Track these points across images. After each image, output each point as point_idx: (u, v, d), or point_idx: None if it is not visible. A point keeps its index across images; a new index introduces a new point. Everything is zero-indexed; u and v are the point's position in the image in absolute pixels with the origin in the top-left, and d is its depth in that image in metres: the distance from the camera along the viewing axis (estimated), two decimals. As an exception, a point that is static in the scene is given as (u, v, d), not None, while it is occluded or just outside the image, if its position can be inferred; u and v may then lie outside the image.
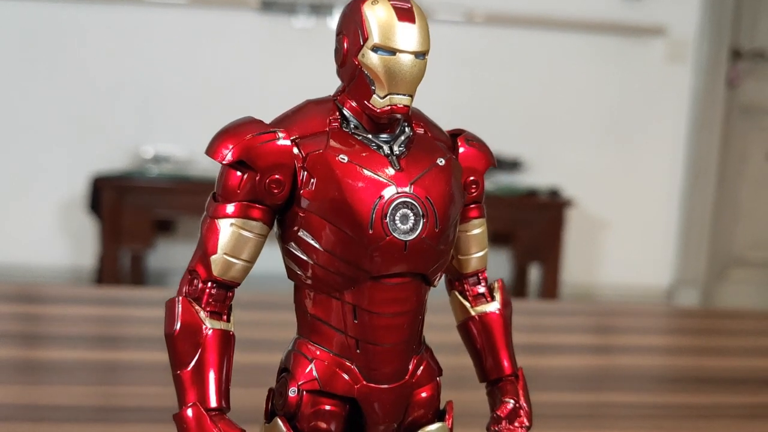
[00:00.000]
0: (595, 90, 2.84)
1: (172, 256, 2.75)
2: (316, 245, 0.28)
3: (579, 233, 2.83)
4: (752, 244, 3.00)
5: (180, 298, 0.29)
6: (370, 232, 0.27)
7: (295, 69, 2.53)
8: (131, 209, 2.52)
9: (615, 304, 2.20)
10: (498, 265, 2.71)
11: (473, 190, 0.33)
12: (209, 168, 2.57)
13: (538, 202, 2.66)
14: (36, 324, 0.92)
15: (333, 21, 2.58)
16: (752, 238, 2.99)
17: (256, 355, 0.72)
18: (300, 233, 0.28)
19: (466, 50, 2.71)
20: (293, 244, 0.29)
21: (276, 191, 0.28)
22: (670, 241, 2.97)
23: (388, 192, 0.28)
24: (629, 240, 2.92)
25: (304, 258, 0.28)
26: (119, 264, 2.53)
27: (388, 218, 0.28)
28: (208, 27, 2.67)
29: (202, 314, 0.28)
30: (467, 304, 0.34)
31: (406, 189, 0.28)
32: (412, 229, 0.28)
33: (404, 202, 0.28)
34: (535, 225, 2.63)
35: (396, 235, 0.28)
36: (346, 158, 0.28)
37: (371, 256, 0.28)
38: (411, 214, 0.28)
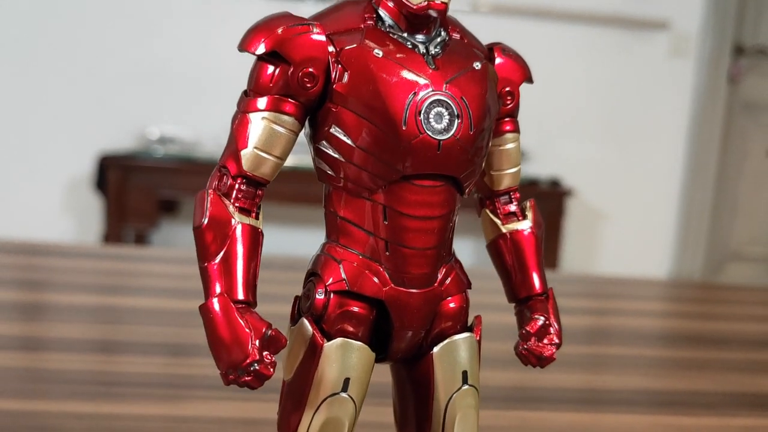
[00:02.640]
0: (597, 82, 2.86)
1: (175, 236, 2.77)
2: (349, 141, 0.28)
3: (578, 224, 2.85)
4: (750, 239, 3.02)
5: (210, 191, 0.28)
6: (404, 128, 0.27)
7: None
8: (137, 188, 2.54)
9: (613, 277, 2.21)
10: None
11: (509, 101, 0.32)
12: (214, 150, 2.58)
13: (538, 191, 2.68)
14: (39, 273, 0.94)
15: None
16: (750, 233, 3.01)
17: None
18: (332, 130, 0.28)
19: (471, 40, 2.73)
20: (325, 142, 0.29)
21: (309, 85, 0.28)
22: (669, 235, 2.99)
23: (423, 89, 0.27)
24: (628, 232, 2.94)
25: (336, 156, 0.28)
26: (123, 243, 2.55)
27: (422, 116, 0.27)
28: (216, 10, 2.69)
29: (231, 208, 0.28)
30: (498, 222, 0.34)
31: (441, 88, 0.28)
32: (446, 129, 0.28)
33: (439, 100, 0.28)
34: (535, 214, 2.65)
35: (430, 134, 0.28)
36: (381, 53, 0.28)
37: (404, 154, 0.27)
38: (446, 113, 0.28)
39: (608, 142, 2.90)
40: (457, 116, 0.28)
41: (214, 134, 2.53)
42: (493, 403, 0.63)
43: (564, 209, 2.67)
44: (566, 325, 0.87)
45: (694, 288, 1.33)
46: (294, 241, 2.25)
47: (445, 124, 0.28)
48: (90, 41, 2.69)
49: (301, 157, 2.20)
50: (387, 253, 0.29)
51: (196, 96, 2.72)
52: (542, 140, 2.83)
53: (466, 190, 0.30)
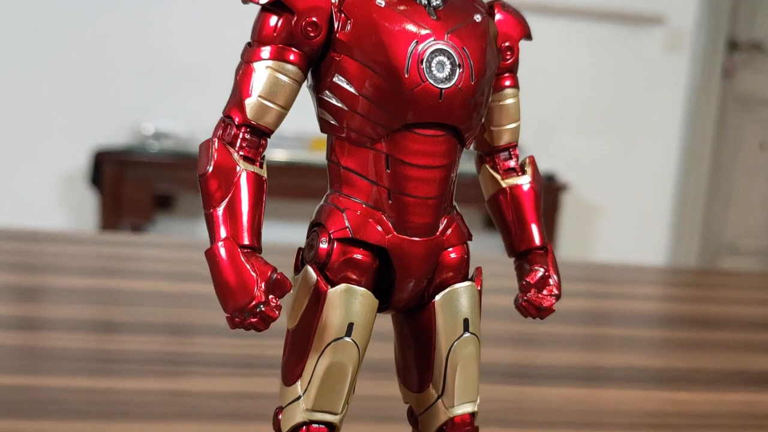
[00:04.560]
0: (591, 77, 2.87)
1: (171, 231, 2.77)
2: (352, 90, 0.28)
3: (573, 218, 2.86)
4: (744, 232, 3.03)
5: (215, 139, 0.28)
6: (406, 76, 0.28)
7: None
8: (132, 183, 2.54)
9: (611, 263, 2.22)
10: (493, 247, 2.73)
11: (508, 56, 0.33)
12: (210, 145, 2.58)
13: (534, 185, 2.68)
14: (38, 257, 0.94)
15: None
16: (744, 226, 3.03)
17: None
18: (335, 79, 0.28)
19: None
20: (328, 92, 0.29)
21: (312, 34, 0.28)
22: (663, 228, 3.00)
23: (425, 39, 0.28)
24: (623, 226, 2.95)
25: (339, 105, 0.29)
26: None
27: (424, 64, 0.28)
28: (211, 5, 2.69)
29: (236, 156, 0.28)
30: (498, 177, 0.34)
31: (443, 38, 0.28)
32: (448, 78, 0.28)
33: (441, 49, 0.28)
34: (531, 208, 2.66)
35: (432, 82, 0.28)
36: (383, 3, 0.28)
37: (406, 102, 0.28)
38: (447, 62, 0.28)
39: (603, 136, 2.91)
40: (459, 66, 0.28)
41: (209, 129, 2.53)
42: (492, 378, 0.64)
43: (559, 204, 2.68)
44: (565, 307, 0.87)
45: (691, 274, 1.34)
46: (291, 235, 2.25)
47: (447, 73, 0.28)
48: (84, 36, 2.68)
49: (297, 152, 2.21)
50: (390, 202, 0.29)
51: (191, 91, 2.72)
52: (537, 135, 2.84)
53: (467, 142, 0.30)
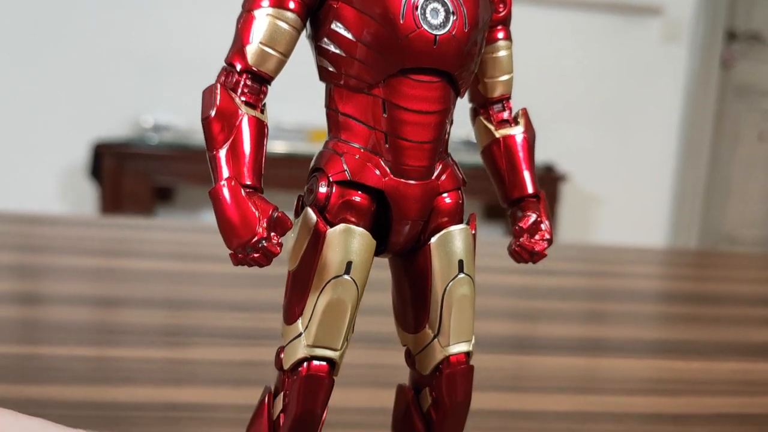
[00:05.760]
0: (590, 68, 2.87)
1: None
2: (349, 36, 0.29)
3: (572, 209, 2.86)
4: (743, 223, 3.04)
5: (218, 85, 0.29)
6: (401, 22, 0.28)
7: (299, 41, 2.54)
8: (132, 175, 2.55)
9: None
10: (495, 235, 2.74)
11: (501, 9, 0.34)
12: (209, 137, 2.59)
13: (533, 176, 2.69)
14: (40, 239, 0.95)
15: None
16: (743, 217, 3.04)
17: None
18: (333, 26, 0.29)
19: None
20: (326, 39, 0.30)
21: None
22: (662, 219, 3.01)
23: None
24: (621, 217, 2.96)
25: (337, 52, 0.29)
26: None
27: (419, 11, 0.29)
28: (211, -2, 2.69)
29: (238, 101, 0.29)
30: (491, 127, 0.35)
31: None
32: (442, 25, 0.29)
33: None
34: (530, 198, 2.67)
35: (426, 28, 0.29)
36: None
37: (402, 48, 0.29)
38: (441, 10, 0.29)
39: (601, 127, 2.91)
40: (453, 13, 0.29)
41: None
42: (491, 348, 0.65)
43: (558, 195, 2.69)
44: (565, 285, 0.88)
45: (691, 255, 1.35)
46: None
47: (441, 20, 0.29)
48: (84, 30, 2.69)
49: (296, 144, 2.22)
50: (387, 146, 0.30)
51: (190, 84, 2.72)
52: (535, 126, 2.83)
53: (461, 90, 0.31)
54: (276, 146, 2.47)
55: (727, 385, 0.61)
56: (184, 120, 2.66)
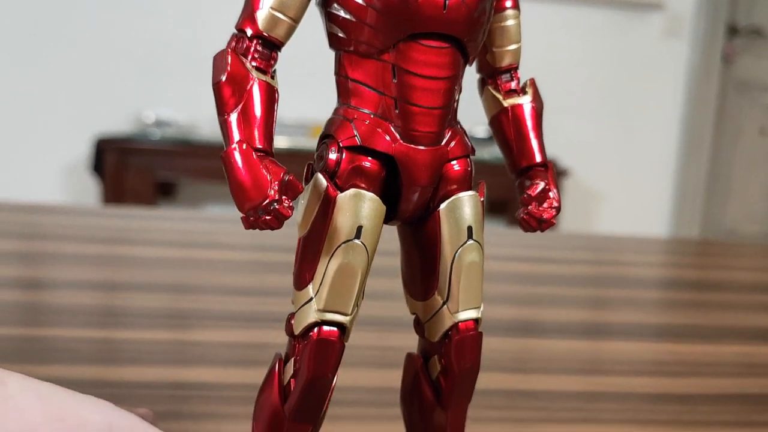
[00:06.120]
0: (591, 63, 2.88)
1: (172, 219, 2.78)
2: (359, 0, 0.29)
3: (574, 204, 2.87)
4: (744, 217, 3.04)
5: (229, 50, 0.29)
6: None
7: (300, 36, 2.54)
8: (134, 171, 2.55)
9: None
10: (498, 227, 2.74)
11: None
12: (211, 133, 2.60)
13: (534, 171, 2.69)
14: (44, 228, 0.95)
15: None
16: (744, 212, 3.04)
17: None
18: None
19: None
20: (336, 5, 0.30)
21: None
22: (664, 214, 3.01)
23: None
24: (623, 212, 2.96)
25: (348, 17, 0.29)
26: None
27: None
28: (212, -7, 2.70)
29: (249, 66, 0.29)
30: (500, 97, 0.35)
31: None
32: None
33: None
34: (531, 193, 2.67)
35: None
36: None
37: (411, 12, 0.29)
38: None
39: (603, 122, 2.91)
40: None
41: (210, 118, 2.54)
42: (497, 332, 0.65)
43: (559, 189, 2.68)
44: (568, 272, 0.88)
45: (693, 244, 1.35)
46: (292, 221, 2.25)
47: None
48: (86, 25, 2.69)
49: (298, 139, 2.22)
50: (396, 112, 0.30)
51: (192, 79, 2.72)
52: (538, 121, 2.84)
53: (470, 57, 0.31)
54: (277, 141, 2.45)
55: (729, 367, 0.61)
56: (185, 116, 2.66)
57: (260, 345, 0.59)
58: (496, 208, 2.68)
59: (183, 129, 2.64)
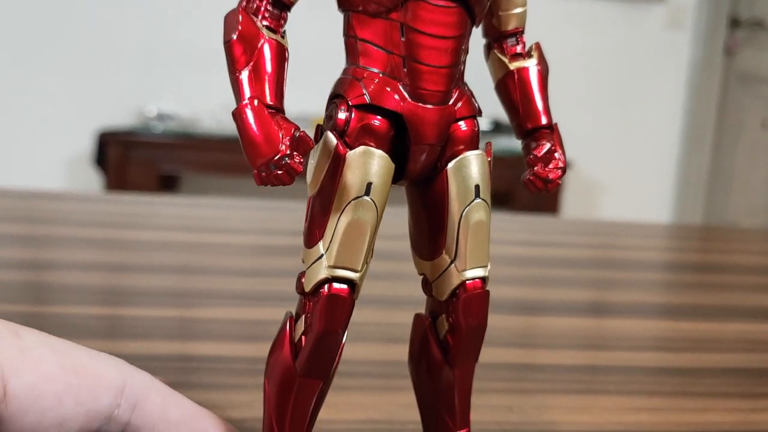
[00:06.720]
0: (594, 55, 2.88)
1: (175, 212, 2.79)
2: None
3: (576, 196, 2.87)
4: (746, 210, 3.04)
5: (239, 9, 0.29)
6: None
7: (301, 28, 2.55)
8: (137, 164, 2.55)
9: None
10: (502, 214, 2.75)
11: None
12: (213, 126, 2.60)
13: (537, 163, 2.70)
14: (47, 213, 0.95)
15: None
16: (746, 204, 3.04)
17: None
18: None
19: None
20: None
21: None
22: (666, 206, 3.01)
23: None
24: (625, 204, 2.96)
25: None
26: (124, 217, 2.56)
27: None
28: (214, -14, 2.70)
29: (260, 24, 0.29)
30: (505, 60, 0.35)
31: None
32: None
33: None
34: (533, 186, 2.68)
35: None
36: None
37: None
38: None
39: (605, 114, 2.92)
40: None
41: (212, 111, 2.54)
42: (501, 310, 0.65)
43: (562, 181, 2.69)
44: (572, 255, 0.89)
45: (697, 229, 1.35)
46: (295, 216, 2.26)
47: None
48: (88, 20, 2.69)
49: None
50: (405, 70, 0.30)
51: (194, 73, 2.73)
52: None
53: (477, 19, 0.32)
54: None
55: (732, 343, 0.62)
56: (188, 109, 2.66)
57: (266, 321, 0.59)
58: (500, 199, 2.68)
59: (185, 122, 2.65)
